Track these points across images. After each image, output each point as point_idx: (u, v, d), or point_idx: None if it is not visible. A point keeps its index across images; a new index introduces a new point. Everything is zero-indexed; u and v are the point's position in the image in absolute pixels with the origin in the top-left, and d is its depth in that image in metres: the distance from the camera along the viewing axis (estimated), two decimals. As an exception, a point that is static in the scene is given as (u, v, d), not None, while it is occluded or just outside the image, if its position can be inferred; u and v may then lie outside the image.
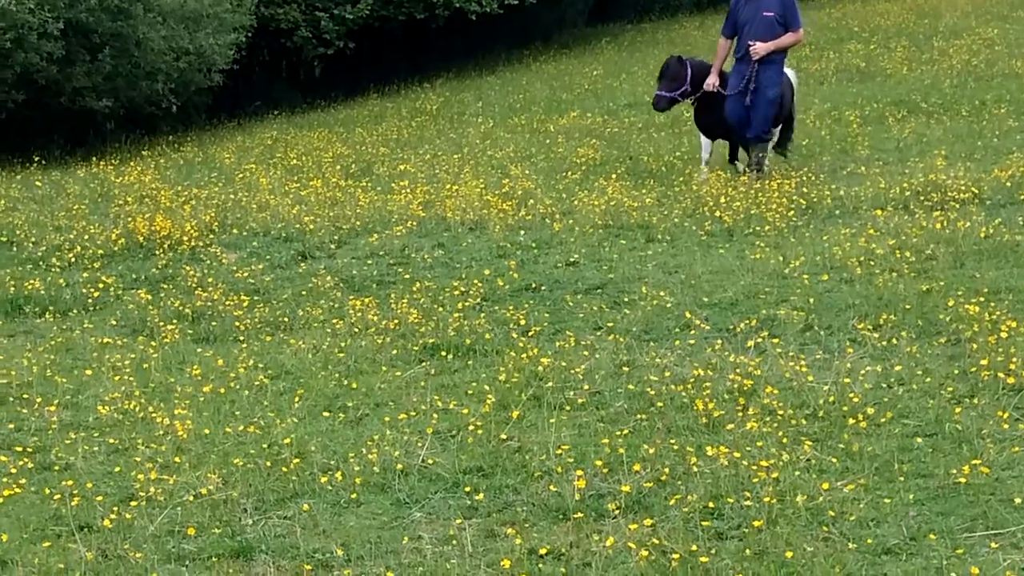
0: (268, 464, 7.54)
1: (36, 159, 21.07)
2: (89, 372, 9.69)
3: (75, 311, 11.72)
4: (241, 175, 17.88)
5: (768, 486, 6.68)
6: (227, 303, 11.41)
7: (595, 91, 25.42)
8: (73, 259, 13.40)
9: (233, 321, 10.96)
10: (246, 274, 12.40)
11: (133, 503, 7.08)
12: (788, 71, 15.63)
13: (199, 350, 10.34)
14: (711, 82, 14.90)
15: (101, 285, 12.35)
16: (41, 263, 13.43)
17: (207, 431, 8.21)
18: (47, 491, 7.32)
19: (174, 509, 7.01)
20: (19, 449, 8.07)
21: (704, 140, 15.67)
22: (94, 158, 21.19)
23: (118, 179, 18.10)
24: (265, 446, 7.86)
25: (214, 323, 10.96)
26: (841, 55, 26.03)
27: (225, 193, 16.33)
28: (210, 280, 12.20)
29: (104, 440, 8.23)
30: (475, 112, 24.00)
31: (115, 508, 7.01)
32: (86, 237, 14.08)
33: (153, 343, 10.54)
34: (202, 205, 15.52)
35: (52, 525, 6.91)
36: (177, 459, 7.70)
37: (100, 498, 7.16)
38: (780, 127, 15.33)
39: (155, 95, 23.73)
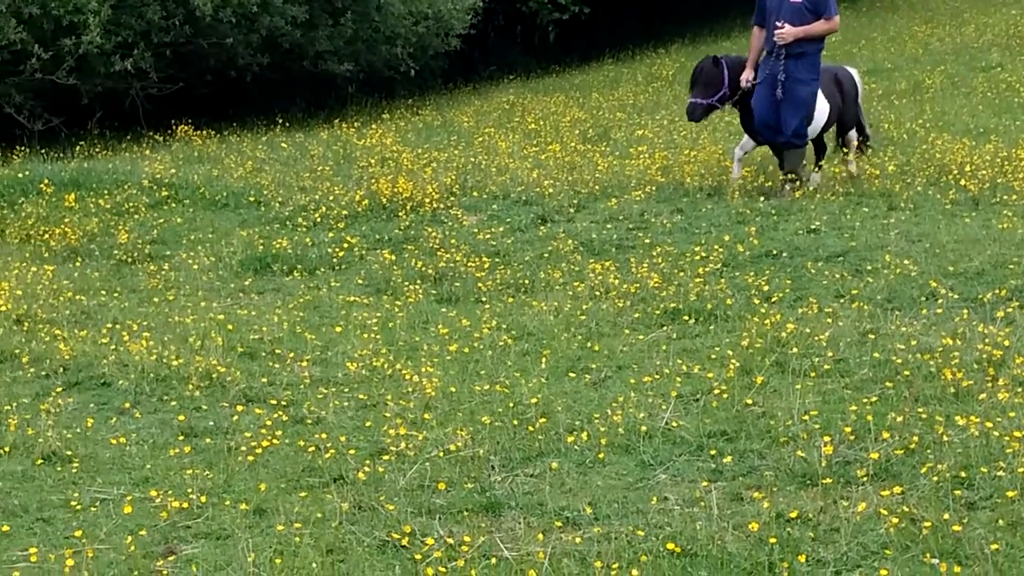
0: (514, 423, 7.66)
1: (279, 121, 21.58)
2: (338, 329, 9.94)
3: (321, 270, 12.01)
4: (480, 138, 18.09)
5: (1021, 456, 6.57)
6: (469, 264, 11.58)
7: (832, 58, 25.06)
8: (319, 219, 13.72)
9: (475, 282, 11.12)
10: (487, 236, 12.56)
11: (385, 457, 7.25)
12: (850, 69, 14.37)
13: (443, 310, 10.53)
14: (746, 77, 13.19)
15: (346, 245, 12.63)
16: (288, 223, 13.78)
17: (453, 389, 8.36)
18: (301, 443, 7.54)
19: (423, 464, 7.15)
20: (273, 402, 8.32)
21: (748, 140, 13.93)
22: (335, 120, 21.61)
23: (360, 141, 18.45)
24: (511, 405, 7.97)
25: (456, 284, 11.14)
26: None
27: (465, 156, 16.54)
28: (452, 242, 12.39)
29: (354, 396, 8.44)
30: (711, 77, 23.81)
31: (367, 462, 7.19)
32: (331, 198, 14.40)
33: (398, 302, 10.75)
34: (442, 168, 15.74)
35: (307, 476, 7.11)
36: (426, 416, 7.86)
37: (352, 451, 7.35)
38: (846, 133, 13.95)
39: (394, 59, 24.12)
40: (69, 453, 7.52)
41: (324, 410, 8.13)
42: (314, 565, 5.87)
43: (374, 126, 20.55)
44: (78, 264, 12.42)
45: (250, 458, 7.31)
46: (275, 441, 7.55)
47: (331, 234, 13.16)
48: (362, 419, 8.00)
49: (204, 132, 19.82)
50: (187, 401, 8.46)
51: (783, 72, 12.93)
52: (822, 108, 13.37)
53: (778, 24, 12.89)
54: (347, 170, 16.32)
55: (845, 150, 14.06)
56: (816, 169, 13.87)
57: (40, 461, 7.44)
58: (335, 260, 12.22)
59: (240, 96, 24.01)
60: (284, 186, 15.36)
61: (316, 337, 9.78)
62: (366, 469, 7.01)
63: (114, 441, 7.70)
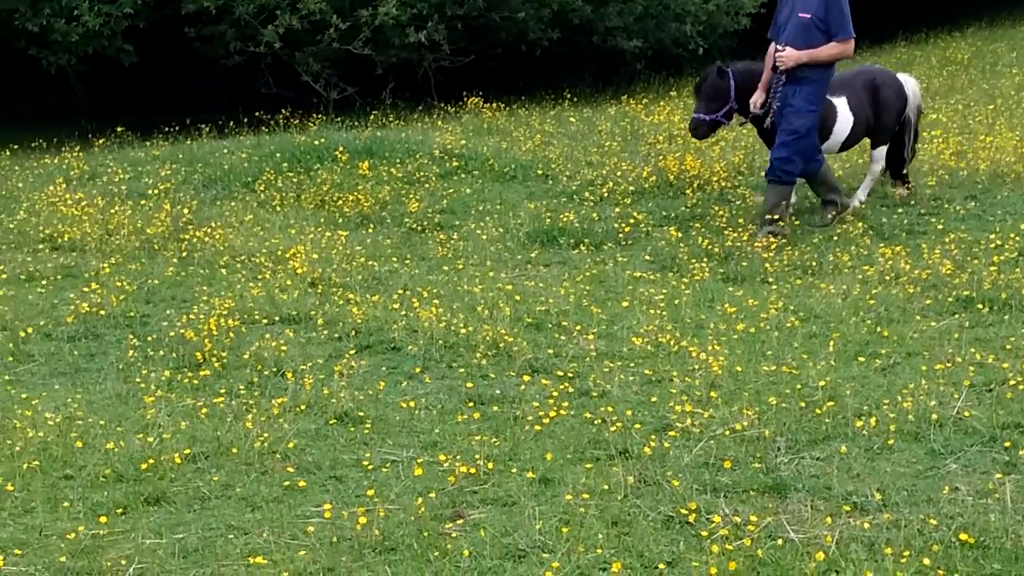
0: (801, 405, 7.59)
1: (567, 96, 21.71)
2: (624, 304, 9.97)
3: (608, 244, 12.04)
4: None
5: None
6: (756, 245, 11.48)
7: None
8: (605, 194, 13.76)
9: (762, 262, 11.02)
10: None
11: (670, 433, 7.25)
12: (902, 76, 12.87)
13: (729, 289, 10.47)
14: (755, 101, 11.89)
15: (632, 221, 12.65)
16: (575, 197, 13.86)
17: (739, 368, 8.32)
18: (587, 416, 7.59)
19: (708, 442, 7.14)
20: (559, 374, 8.39)
21: None
22: (623, 97, 21.63)
23: (647, 118, 18.44)
24: (798, 387, 7.89)
25: (743, 263, 11.06)
26: None
27: (753, 136, 16.37)
28: (739, 220, 12.30)
29: (639, 371, 8.46)
30: (1008, 63, 23.16)
31: (652, 436, 7.21)
32: (618, 173, 14.44)
33: (684, 279, 10.73)
34: (730, 147, 15.64)
35: (592, 448, 7.16)
36: (711, 394, 7.84)
37: (637, 426, 7.37)
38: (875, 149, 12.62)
39: (683, 37, 24.01)
40: (361, 414, 7.72)
41: (609, 384, 8.17)
42: (600, 536, 5.91)
43: (662, 103, 20.51)
44: (370, 230, 12.69)
45: (537, 428, 7.39)
46: (561, 412, 7.62)
47: (617, 209, 13.19)
48: (647, 394, 8.01)
49: (493, 105, 20.04)
50: (474, 369, 8.59)
51: (778, 99, 11.66)
52: (844, 120, 12.20)
53: (779, 46, 11.59)
54: (634, 146, 16.34)
55: (895, 180, 12.90)
56: (896, 184, 12.94)
57: (333, 420, 7.65)
58: (621, 235, 12.25)
59: (529, 70, 24.19)
60: (572, 160, 15.45)
61: (602, 311, 9.83)
62: (652, 444, 7.02)
63: (404, 405, 7.87)
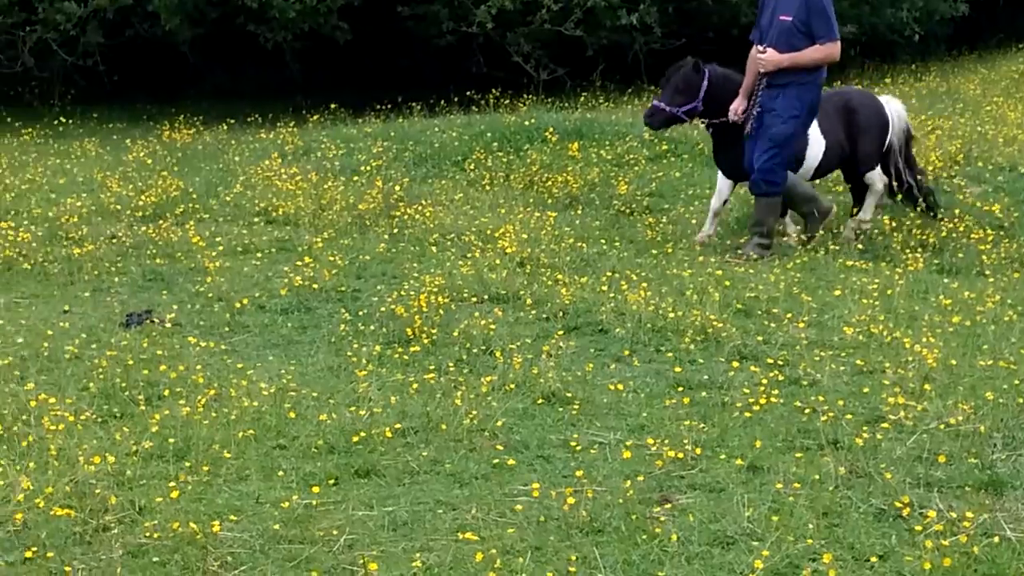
0: (1019, 401, 7.40)
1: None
2: (836, 293, 9.83)
3: (819, 233, 11.85)
4: (988, 107, 17.51)
5: None
6: (972, 236, 11.24)
7: None
8: (817, 182, 13.54)
9: (978, 255, 10.80)
10: (992, 208, 12.16)
11: (882, 424, 7.12)
12: (891, 99, 12.17)
13: (944, 280, 10.28)
14: (735, 108, 11.20)
15: (843, 209, 12.46)
16: (786, 183, 13.68)
17: (954, 362, 8.14)
18: (797, 404, 7.50)
19: (921, 435, 7.00)
20: (768, 361, 8.31)
21: (723, 181, 11.75)
22: (835, 83, 21.30)
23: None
24: (1016, 383, 7.70)
25: (959, 255, 10.85)
26: None
27: (971, 125, 16.05)
28: (956, 212, 12.05)
29: (850, 361, 8.33)
30: None
31: (864, 428, 7.09)
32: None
33: (897, 270, 10.56)
34: (946, 136, 15.33)
35: (802, 437, 7.06)
36: (925, 387, 7.68)
37: (848, 416, 7.26)
38: (861, 175, 11.75)
39: (899, 23, 23.61)
40: (568, 395, 7.72)
41: (820, 373, 8.06)
42: (810, 526, 5.83)
43: (876, 89, 20.14)
44: (578, 212, 12.71)
45: (746, 414, 7.32)
46: (771, 400, 7.53)
47: (828, 197, 13.00)
48: (858, 385, 7.88)
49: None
50: (682, 353, 8.54)
51: (757, 104, 11.05)
52: (815, 146, 11.43)
53: (760, 48, 11.02)
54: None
55: (855, 208, 11.97)
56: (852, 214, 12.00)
57: (540, 400, 7.66)
58: (833, 225, 12.07)
59: (739, 54, 23.94)
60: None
61: (812, 299, 9.71)
62: (863, 435, 6.91)
63: (611, 387, 7.85)
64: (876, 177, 11.79)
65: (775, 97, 10.96)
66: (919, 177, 12.11)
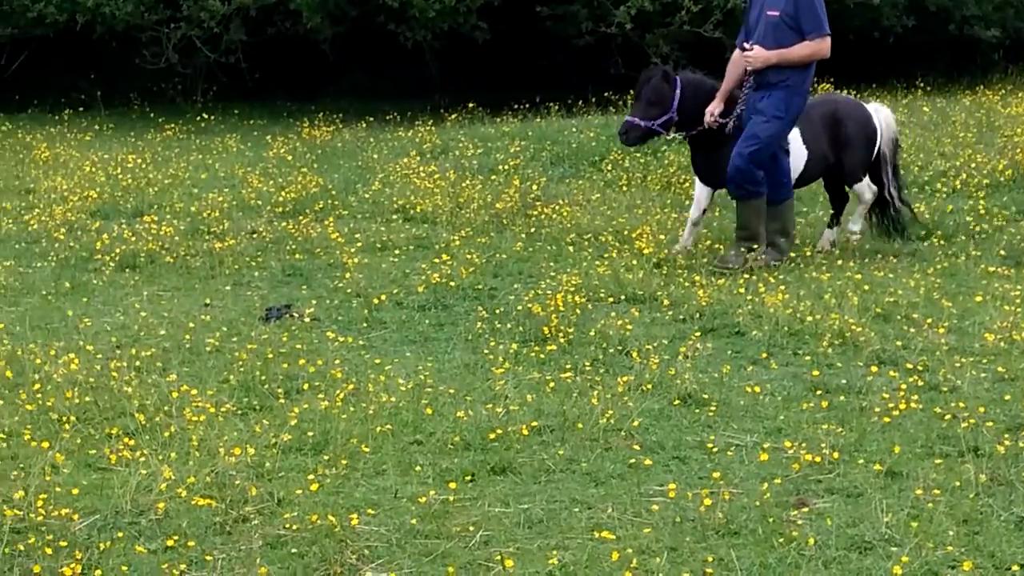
0: None
1: (920, 85, 21.22)
2: (977, 299, 9.70)
3: (960, 237, 11.74)
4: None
5: None
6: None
7: None
8: (958, 186, 13.46)
9: (1125, 262, 10.60)
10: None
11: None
12: (879, 107, 11.83)
13: (1089, 288, 10.11)
14: (712, 110, 10.77)
15: (985, 214, 12.29)
16: (926, 187, 13.58)
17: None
18: (937, 410, 7.42)
19: (1064, 445, 6.90)
20: (908, 366, 8.22)
21: (700, 189, 11.33)
22: (978, 87, 21.05)
23: (1004, 110, 17.92)
24: None
25: (1105, 263, 10.66)
26: None
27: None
28: (1103, 218, 11.87)
29: (991, 367, 8.22)
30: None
31: (1005, 435, 6.98)
32: (972, 166, 14.08)
33: (1048, 276, 10.41)
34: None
35: (941, 444, 6.97)
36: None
37: (989, 424, 7.15)
38: (847, 186, 11.45)
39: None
40: (705, 396, 7.70)
41: (960, 379, 7.96)
42: (950, 533, 5.77)
43: (1020, 94, 19.89)
44: (716, 215, 12.66)
45: (885, 419, 7.25)
46: (910, 405, 7.46)
47: (970, 202, 12.85)
48: (999, 392, 7.77)
49: (843, 91, 19.70)
50: (820, 357, 8.48)
51: (741, 103, 10.68)
52: (797, 155, 11.02)
53: (747, 45, 10.57)
54: (990, 138, 15.87)
55: (833, 217, 11.65)
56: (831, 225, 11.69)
57: (677, 401, 7.65)
58: (974, 229, 11.92)
59: (879, 57, 23.72)
60: (924, 150, 15.12)
61: (952, 305, 9.59)
62: (1005, 443, 6.81)
63: (748, 389, 7.82)
64: (865, 187, 11.50)
65: (763, 98, 10.62)
66: (903, 191, 11.91)
